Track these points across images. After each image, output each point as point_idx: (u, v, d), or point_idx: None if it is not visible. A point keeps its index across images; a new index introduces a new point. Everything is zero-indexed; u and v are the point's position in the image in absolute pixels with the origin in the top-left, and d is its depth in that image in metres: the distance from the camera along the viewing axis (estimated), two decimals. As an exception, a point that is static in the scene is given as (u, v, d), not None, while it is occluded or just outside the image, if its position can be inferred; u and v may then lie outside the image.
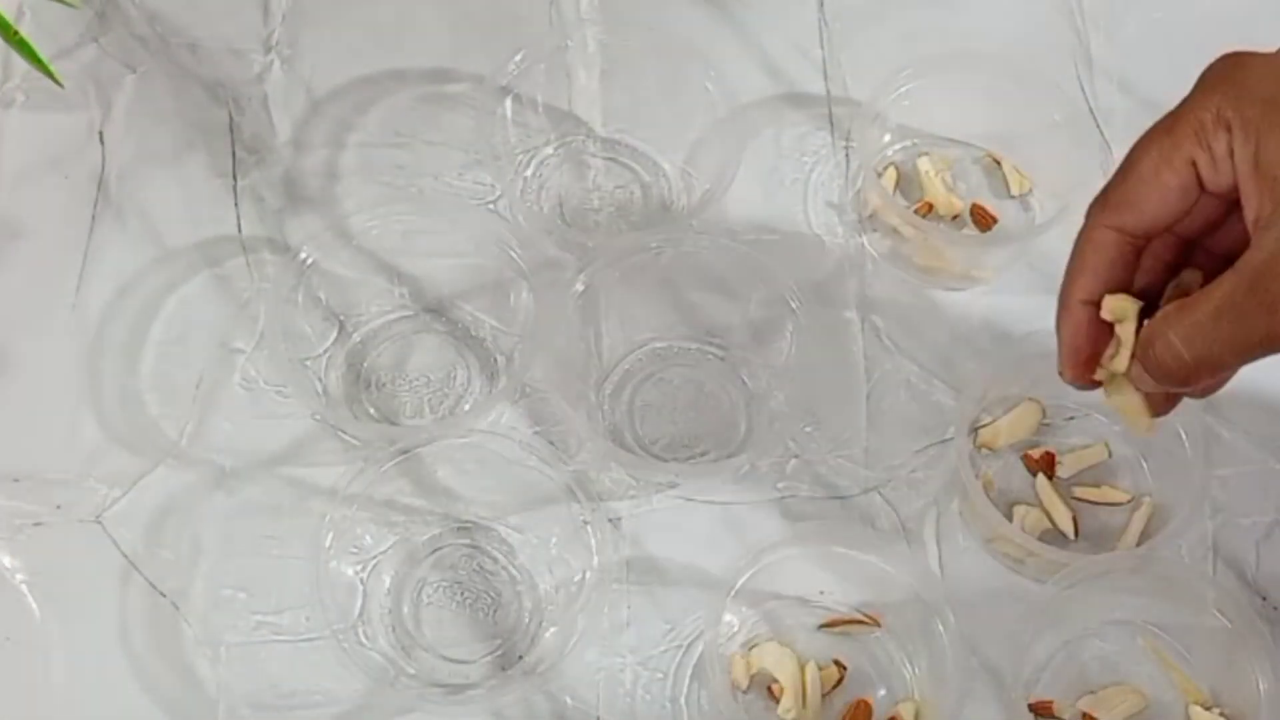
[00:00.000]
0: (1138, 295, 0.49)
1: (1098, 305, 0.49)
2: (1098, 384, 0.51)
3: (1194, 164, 0.46)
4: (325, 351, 0.65)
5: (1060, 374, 0.52)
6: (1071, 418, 0.64)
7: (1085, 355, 0.50)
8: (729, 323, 0.66)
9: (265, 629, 0.59)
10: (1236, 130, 0.45)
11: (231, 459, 0.62)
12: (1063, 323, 0.50)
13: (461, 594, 0.60)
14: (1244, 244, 0.45)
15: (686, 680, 0.59)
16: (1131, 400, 0.51)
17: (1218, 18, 0.74)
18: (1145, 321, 0.48)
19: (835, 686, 0.58)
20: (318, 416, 0.63)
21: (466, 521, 0.62)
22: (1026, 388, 0.64)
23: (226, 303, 0.66)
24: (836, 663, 0.59)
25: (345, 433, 0.63)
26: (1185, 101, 0.48)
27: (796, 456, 0.63)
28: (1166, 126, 0.47)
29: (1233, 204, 0.47)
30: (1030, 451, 0.63)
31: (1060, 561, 0.60)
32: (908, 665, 0.59)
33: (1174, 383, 0.47)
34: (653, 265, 0.65)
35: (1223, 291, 0.44)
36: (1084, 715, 0.58)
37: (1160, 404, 0.51)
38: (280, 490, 0.62)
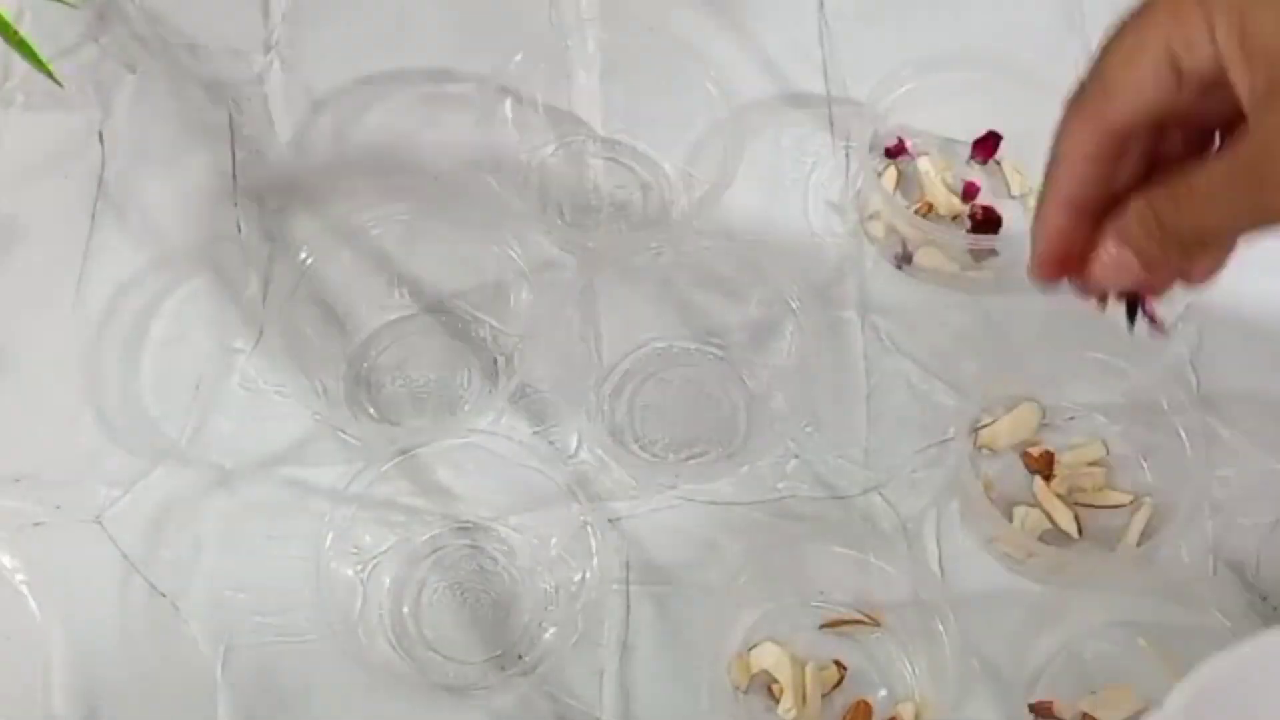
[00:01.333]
0: (1115, 198, 0.46)
1: (1075, 207, 0.46)
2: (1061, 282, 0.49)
3: (1169, 48, 0.43)
4: (325, 351, 0.65)
5: (1029, 272, 0.49)
6: (1071, 418, 0.64)
7: (1059, 257, 0.47)
8: (729, 323, 0.66)
9: (265, 629, 0.59)
10: (1217, 7, 0.41)
11: (231, 459, 0.62)
12: (1039, 222, 0.47)
13: (461, 594, 0.60)
14: (1226, 127, 0.43)
15: (687, 681, 0.59)
16: None
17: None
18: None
19: (835, 686, 0.58)
20: (318, 416, 0.63)
21: (466, 521, 0.62)
22: (1026, 388, 0.64)
23: (226, 303, 0.66)
24: (836, 663, 0.59)
25: (345, 433, 0.63)
26: None
27: (796, 456, 0.63)
28: (1139, 11, 0.43)
29: (1211, 86, 0.43)
30: (1030, 451, 0.63)
31: (1061, 562, 0.60)
32: (908, 665, 0.59)
33: (1162, 249, 0.44)
34: (653, 265, 0.65)
35: (1222, 168, 0.41)
36: (1084, 715, 0.58)
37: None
38: (280, 490, 0.62)
